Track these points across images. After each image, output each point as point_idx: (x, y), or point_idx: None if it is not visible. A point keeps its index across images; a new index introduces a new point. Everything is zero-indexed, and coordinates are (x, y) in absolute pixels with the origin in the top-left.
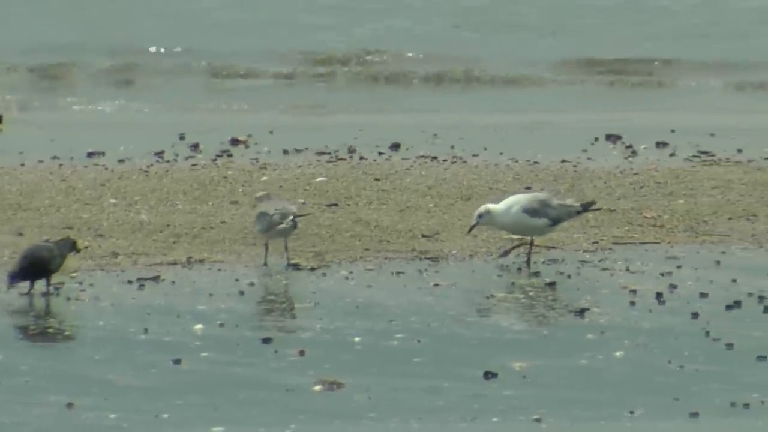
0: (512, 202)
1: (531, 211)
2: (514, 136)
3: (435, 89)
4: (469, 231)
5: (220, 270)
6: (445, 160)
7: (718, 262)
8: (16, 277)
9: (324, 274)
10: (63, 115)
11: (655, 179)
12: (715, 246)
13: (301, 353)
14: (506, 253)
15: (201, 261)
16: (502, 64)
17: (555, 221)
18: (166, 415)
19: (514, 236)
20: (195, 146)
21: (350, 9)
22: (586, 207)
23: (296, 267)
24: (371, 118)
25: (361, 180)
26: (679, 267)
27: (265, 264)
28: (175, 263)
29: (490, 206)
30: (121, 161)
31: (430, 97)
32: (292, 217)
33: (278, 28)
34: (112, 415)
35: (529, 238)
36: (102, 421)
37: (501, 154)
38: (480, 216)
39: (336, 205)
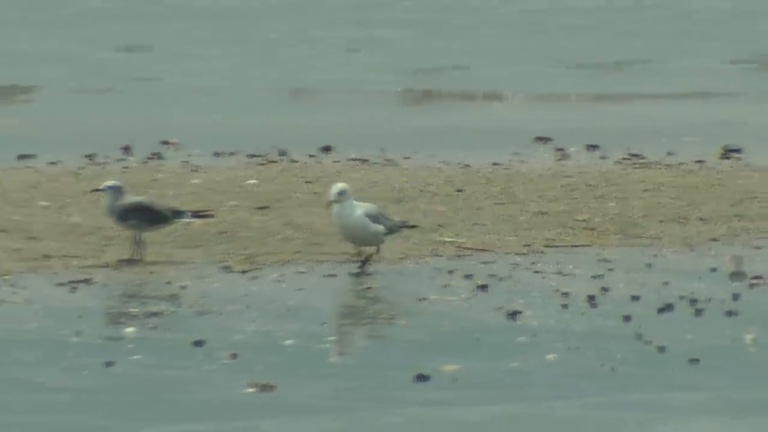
0: (356, 206)
1: (372, 217)
2: (445, 138)
3: None
4: (327, 206)
5: (152, 272)
6: (376, 163)
7: (650, 265)
8: None
9: (255, 277)
10: None
11: (587, 182)
12: (647, 249)
13: (233, 356)
14: (363, 265)
15: (133, 263)
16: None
17: (389, 231)
18: (97, 418)
19: (347, 241)
20: (126, 149)
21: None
22: (404, 224)
23: (228, 269)
24: (301, 120)
25: (292, 183)
26: (610, 270)
27: (141, 259)
28: (107, 266)
29: (348, 187)
30: (52, 164)
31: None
32: (190, 214)
33: None
34: (44, 418)
35: (356, 245)
36: (34, 424)
37: (432, 156)
38: (341, 193)
39: (267, 207)
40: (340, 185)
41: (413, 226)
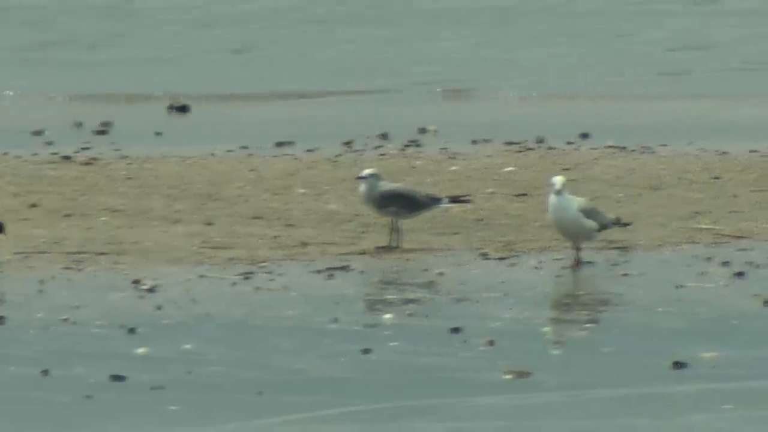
0: (571, 200)
1: (587, 213)
2: (701, 125)
3: None
4: (552, 196)
5: (409, 259)
6: (633, 150)
7: None
8: None
9: (513, 264)
10: (250, 105)
11: None
12: None
13: (490, 343)
14: (577, 264)
15: (390, 250)
16: None
17: (601, 227)
18: (355, 403)
19: (560, 235)
20: (383, 136)
21: None
22: (617, 222)
23: (485, 256)
24: (560, 105)
25: (550, 170)
26: None
27: (398, 246)
28: (364, 253)
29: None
30: (309, 151)
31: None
32: (447, 200)
33: None
34: (302, 403)
35: (571, 242)
36: (292, 409)
37: (689, 143)
38: (564, 185)
39: (525, 195)
40: (560, 178)
41: (626, 224)
